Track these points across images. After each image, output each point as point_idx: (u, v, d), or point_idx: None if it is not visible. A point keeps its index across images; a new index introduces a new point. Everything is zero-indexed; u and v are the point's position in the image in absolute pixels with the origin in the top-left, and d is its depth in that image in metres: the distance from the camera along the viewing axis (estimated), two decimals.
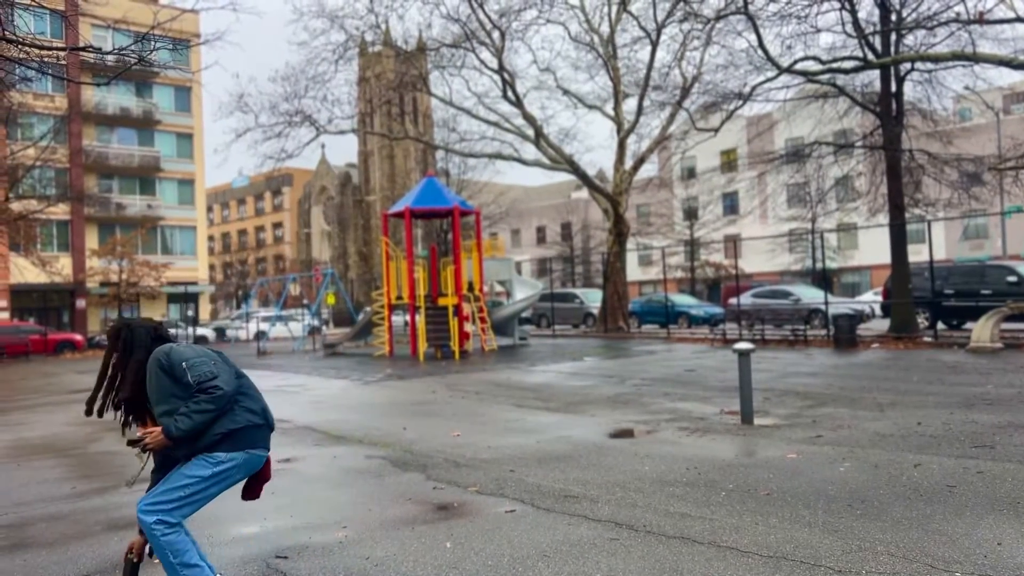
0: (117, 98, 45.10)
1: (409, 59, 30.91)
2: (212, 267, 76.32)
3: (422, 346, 20.59)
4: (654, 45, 26.38)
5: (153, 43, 7.15)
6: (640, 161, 29.36)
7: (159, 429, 3.48)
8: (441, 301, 21.13)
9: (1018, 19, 16.13)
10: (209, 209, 79.07)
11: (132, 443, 3.53)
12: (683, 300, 32.27)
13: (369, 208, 77.92)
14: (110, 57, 8.01)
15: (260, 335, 29.83)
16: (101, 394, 3.72)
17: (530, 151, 30.10)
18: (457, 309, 20.72)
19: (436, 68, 30.10)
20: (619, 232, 28.45)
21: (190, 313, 44.53)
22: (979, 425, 7.87)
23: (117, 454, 8.28)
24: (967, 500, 5.16)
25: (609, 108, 29.14)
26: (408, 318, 22.65)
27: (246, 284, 72.75)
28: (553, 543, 4.58)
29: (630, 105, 28.72)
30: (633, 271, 44.04)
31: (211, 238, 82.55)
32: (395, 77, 33.26)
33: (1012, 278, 20.11)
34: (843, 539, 4.43)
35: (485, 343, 22.03)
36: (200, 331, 35.26)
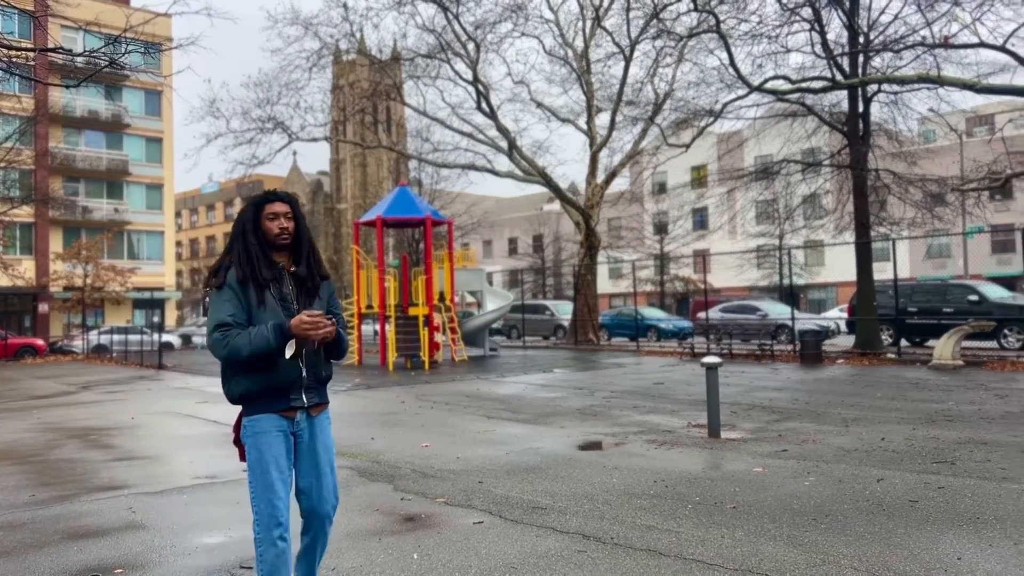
0: (86, 100, 44.48)
1: (384, 68, 30.88)
2: (179, 273, 75.36)
3: (392, 356, 20.49)
4: (627, 61, 26.63)
5: (124, 46, 7.08)
6: (612, 175, 29.58)
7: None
8: (412, 311, 21.06)
9: (981, 44, 16.54)
10: (177, 214, 78.13)
11: (312, 315, 3.18)
12: (653, 313, 32.49)
13: (340, 216, 77.54)
14: (80, 59, 7.91)
15: None
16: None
17: (503, 163, 30.21)
18: (428, 319, 20.67)
19: (411, 78, 30.12)
20: (590, 245, 28.59)
21: (155, 319, 43.90)
22: (940, 441, 8.01)
23: (78, 462, 8.13)
24: (928, 515, 5.25)
25: (582, 122, 29.35)
26: (378, 327, 22.54)
27: None
28: (521, 555, 4.58)
29: (603, 120, 28.98)
30: (604, 284, 44.25)
31: (179, 244, 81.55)
32: (369, 86, 33.20)
33: (973, 297, 20.55)
34: (807, 553, 4.48)
35: (455, 354, 21.98)
36: (166, 337, 34.74)
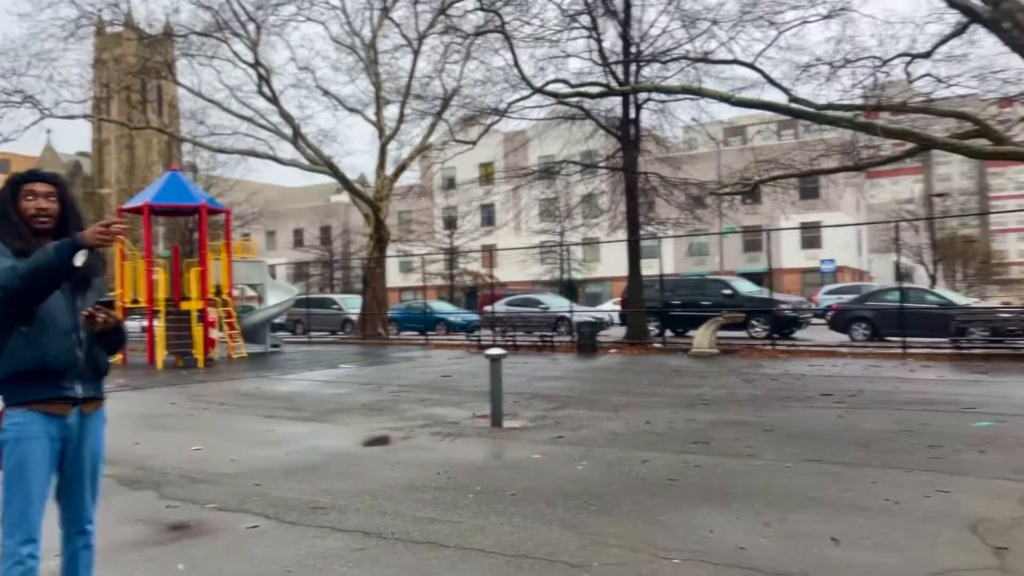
0: None
1: (154, 44, 28.62)
2: None
3: (161, 354, 19.07)
4: (416, 54, 26.63)
5: None
6: (401, 168, 29.45)
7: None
8: (184, 305, 19.71)
9: (735, 61, 18.28)
10: None
11: (104, 304, 2.88)
12: (442, 307, 32.81)
13: (103, 202, 71.06)
14: None
15: None
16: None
17: (287, 150, 29.07)
18: (202, 314, 19.45)
19: (184, 56, 28.15)
20: (379, 238, 28.31)
21: None
22: (697, 423, 8.75)
23: None
24: (686, 492, 5.70)
25: (371, 113, 28.93)
26: (146, 323, 20.89)
27: None
28: (297, 557, 4.41)
29: (392, 112, 28.74)
30: (394, 277, 44.06)
31: None
32: (137, 62, 30.64)
33: (727, 291, 22.69)
34: (579, 534, 4.70)
35: (233, 350, 20.87)
36: None
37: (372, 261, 28.36)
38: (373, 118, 28.72)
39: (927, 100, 19.23)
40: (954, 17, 16.39)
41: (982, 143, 17.52)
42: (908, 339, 17.17)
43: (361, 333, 28.19)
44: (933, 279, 52.07)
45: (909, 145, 19.31)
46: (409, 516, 5.20)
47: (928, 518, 4.88)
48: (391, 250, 32.14)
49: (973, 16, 15.33)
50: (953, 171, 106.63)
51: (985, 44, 17.63)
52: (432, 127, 27.99)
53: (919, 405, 9.69)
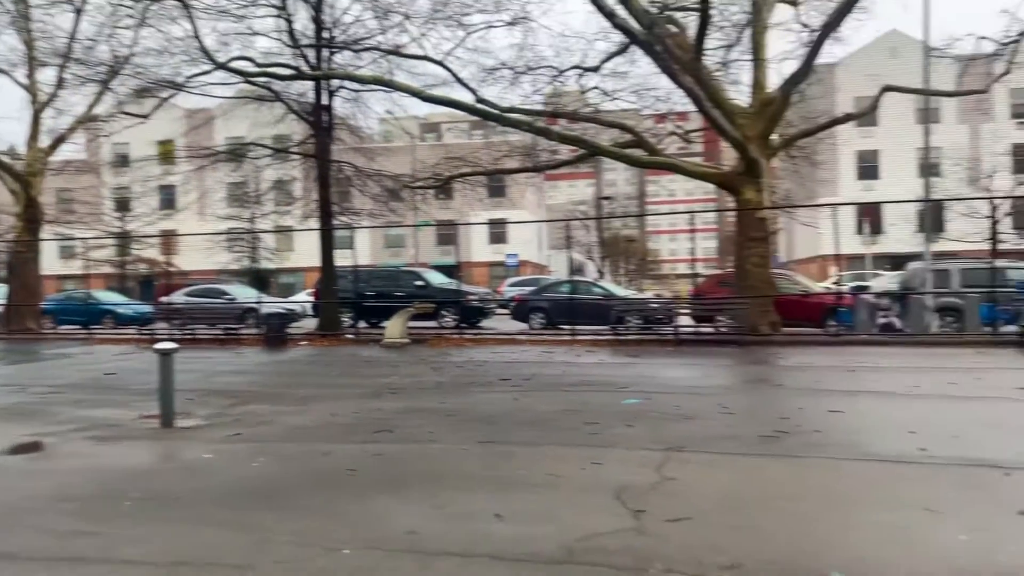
0: None
1: None
2: None
3: None
4: (78, 12, 23.63)
5: None
6: (60, 140, 25.99)
7: None
8: None
9: (426, 57, 18.73)
10: None
11: None
12: (110, 298, 29.63)
13: None
14: None
15: None
16: None
17: None
18: None
19: None
20: (31, 218, 24.78)
21: None
22: (384, 412, 8.79)
23: None
24: (366, 481, 5.68)
25: (21, 75, 25.12)
26: None
27: None
28: None
29: (48, 75, 25.19)
30: (52, 264, 38.86)
31: None
32: None
33: (419, 282, 23.21)
34: (249, 534, 4.46)
35: None
36: None
37: (21, 245, 24.76)
38: (24, 81, 25.00)
39: (596, 111, 21.30)
40: (618, 37, 18.33)
41: (639, 153, 19.85)
42: (577, 327, 18.87)
43: (6, 327, 24.47)
44: (601, 273, 58.03)
45: (581, 151, 21.28)
46: (49, 530, 4.58)
47: (582, 489, 5.36)
48: (47, 232, 28.32)
49: (632, 37, 17.25)
50: (619, 177, 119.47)
51: (642, 64, 19.96)
52: (98, 96, 25.01)
53: (582, 386, 10.68)
